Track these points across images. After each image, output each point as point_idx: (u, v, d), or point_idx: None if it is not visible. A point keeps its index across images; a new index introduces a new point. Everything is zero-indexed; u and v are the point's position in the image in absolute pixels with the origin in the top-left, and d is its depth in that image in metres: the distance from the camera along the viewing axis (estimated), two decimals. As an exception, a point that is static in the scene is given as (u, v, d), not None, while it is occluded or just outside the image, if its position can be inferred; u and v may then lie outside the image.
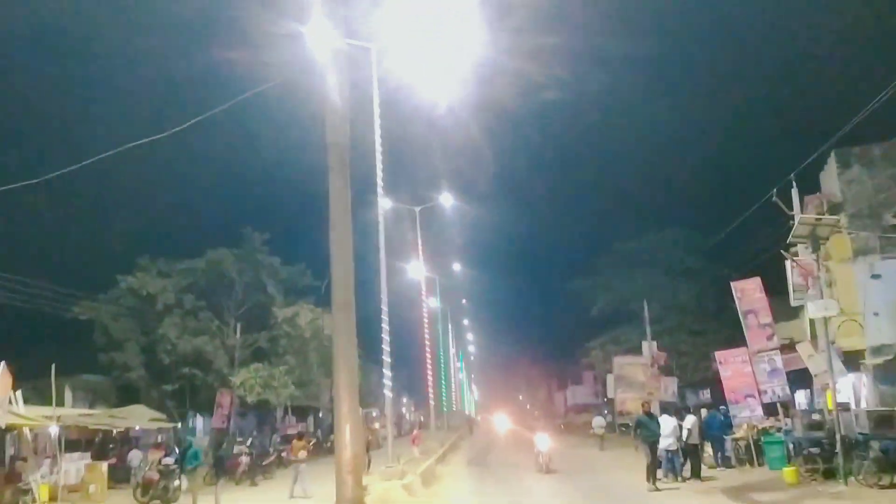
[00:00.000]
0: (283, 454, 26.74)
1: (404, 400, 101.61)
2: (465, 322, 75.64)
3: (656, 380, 37.69)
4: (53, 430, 23.44)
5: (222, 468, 19.18)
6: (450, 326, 58.68)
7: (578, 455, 26.50)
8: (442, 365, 43.55)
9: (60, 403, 31.72)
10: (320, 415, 47.13)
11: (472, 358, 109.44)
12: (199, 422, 39.78)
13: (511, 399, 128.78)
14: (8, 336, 33.86)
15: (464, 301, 61.09)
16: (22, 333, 33.64)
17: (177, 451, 21.03)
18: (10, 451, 22.43)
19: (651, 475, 16.75)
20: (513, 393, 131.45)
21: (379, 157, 16.77)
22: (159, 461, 20.28)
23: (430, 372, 34.81)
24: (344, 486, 10.69)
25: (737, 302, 21.64)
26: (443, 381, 42.86)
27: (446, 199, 32.55)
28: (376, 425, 40.03)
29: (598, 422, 35.70)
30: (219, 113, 12.31)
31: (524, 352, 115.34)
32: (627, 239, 45.59)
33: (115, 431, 27.70)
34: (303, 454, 19.17)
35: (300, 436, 23.43)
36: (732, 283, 21.98)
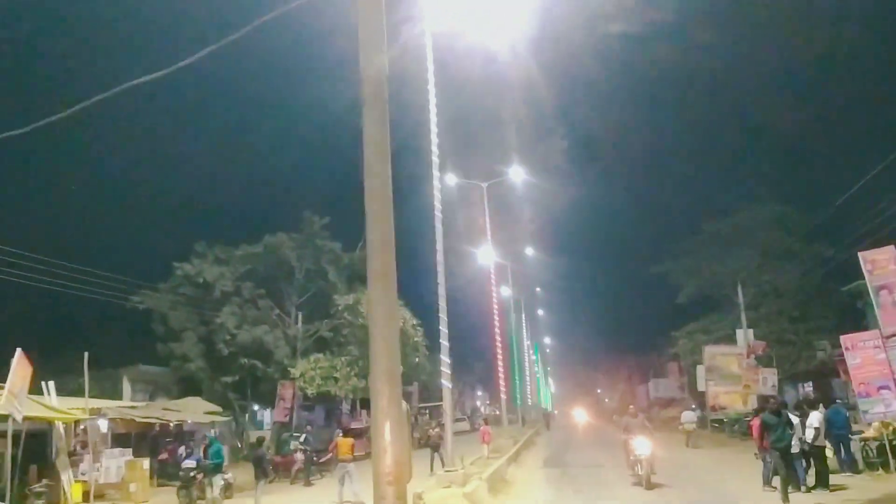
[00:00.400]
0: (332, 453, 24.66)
1: (479, 393, 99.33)
2: (540, 313, 72.10)
3: (753, 371, 34.03)
4: (101, 423, 22.24)
5: (261, 468, 17.01)
6: (523, 316, 55.90)
7: (673, 458, 22.96)
8: (515, 357, 40.82)
9: (117, 396, 31.11)
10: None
11: (547, 350, 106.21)
12: (265, 414, 38.42)
13: (590, 392, 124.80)
14: (69, 325, 33.21)
15: (538, 290, 58.01)
16: (82, 323, 32.87)
17: (199, 449, 19.17)
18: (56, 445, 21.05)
19: (784, 492, 13.27)
20: (591, 386, 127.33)
21: (433, 99, 14.18)
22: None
23: (500, 362, 32.29)
24: (383, 500, 8.20)
25: (866, 276, 18.15)
26: (515, 374, 40.09)
27: (517, 174, 29.80)
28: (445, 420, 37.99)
29: (688, 417, 32.14)
30: (266, 91, 9.81)
31: (603, 343, 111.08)
32: (719, 216, 41.64)
33: (171, 425, 26.40)
34: (347, 455, 16.88)
35: (348, 431, 21.18)
36: (861, 254, 18.47)
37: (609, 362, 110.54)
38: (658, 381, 71.65)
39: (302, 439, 24.91)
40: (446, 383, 16.66)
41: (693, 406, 42.27)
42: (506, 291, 52.25)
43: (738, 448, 26.28)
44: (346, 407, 45.84)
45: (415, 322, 33.52)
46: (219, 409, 27.89)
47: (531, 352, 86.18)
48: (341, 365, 31.41)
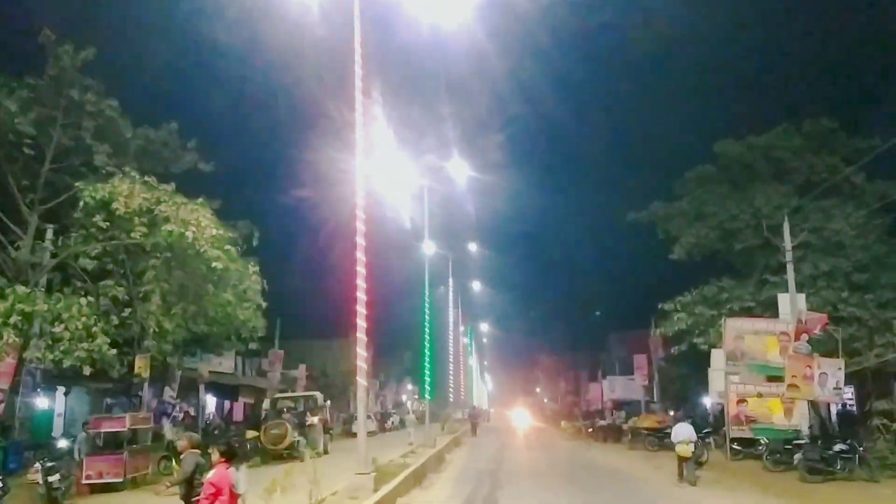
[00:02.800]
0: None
1: (409, 387, 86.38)
2: (475, 287, 58.72)
3: (805, 362, 20.43)
4: None
5: None
6: (451, 289, 41.91)
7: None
8: (426, 332, 26.58)
9: None
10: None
11: (484, 340, 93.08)
12: None
13: (531, 392, 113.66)
14: None
15: (472, 246, 44.19)
16: None
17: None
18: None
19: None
20: (532, 385, 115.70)
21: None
22: None
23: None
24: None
25: None
26: (424, 357, 25.94)
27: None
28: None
29: (684, 433, 18.21)
30: None
31: (546, 338, 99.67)
32: (734, 137, 28.06)
33: None
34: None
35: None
36: None
37: (551, 359, 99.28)
38: (615, 379, 57.98)
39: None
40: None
41: (686, 414, 29.03)
42: (430, 249, 38.66)
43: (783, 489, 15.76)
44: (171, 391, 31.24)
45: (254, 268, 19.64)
46: None
47: (464, 337, 73.10)
48: (90, 312, 16.57)
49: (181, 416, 33.35)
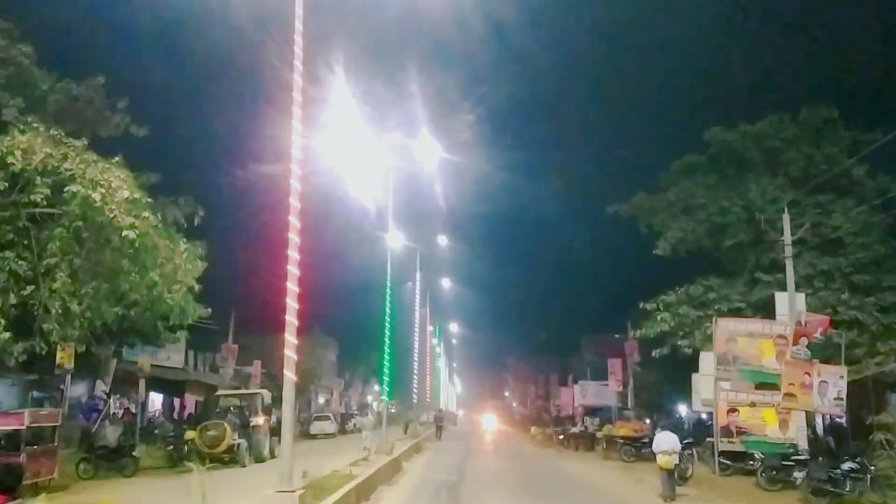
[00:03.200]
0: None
1: (375, 388, 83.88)
2: (445, 284, 56.46)
3: (804, 368, 18.32)
4: None
5: None
6: (418, 277, 39.49)
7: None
8: (386, 327, 24.09)
9: None
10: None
11: (454, 341, 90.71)
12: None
13: (500, 396, 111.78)
14: None
15: (441, 239, 41.77)
16: None
17: None
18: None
19: None
20: (501, 389, 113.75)
21: None
22: None
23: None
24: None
25: None
26: (383, 353, 23.48)
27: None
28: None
29: (667, 442, 16.08)
30: None
31: (516, 341, 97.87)
32: (726, 124, 25.97)
33: None
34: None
35: None
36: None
37: (522, 360, 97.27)
38: (587, 384, 55.84)
39: None
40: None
41: (667, 423, 27.04)
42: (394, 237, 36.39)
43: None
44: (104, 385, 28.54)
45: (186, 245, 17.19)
46: None
47: (434, 338, 70.72)
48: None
49: (121, 412, 30.68)
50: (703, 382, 20.65)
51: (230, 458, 21.22)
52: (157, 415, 37.90)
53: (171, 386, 38.58)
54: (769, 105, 26.91)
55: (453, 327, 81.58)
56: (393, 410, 78.04)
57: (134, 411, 30.98)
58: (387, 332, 23.14)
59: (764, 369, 19.20)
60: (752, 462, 19.01)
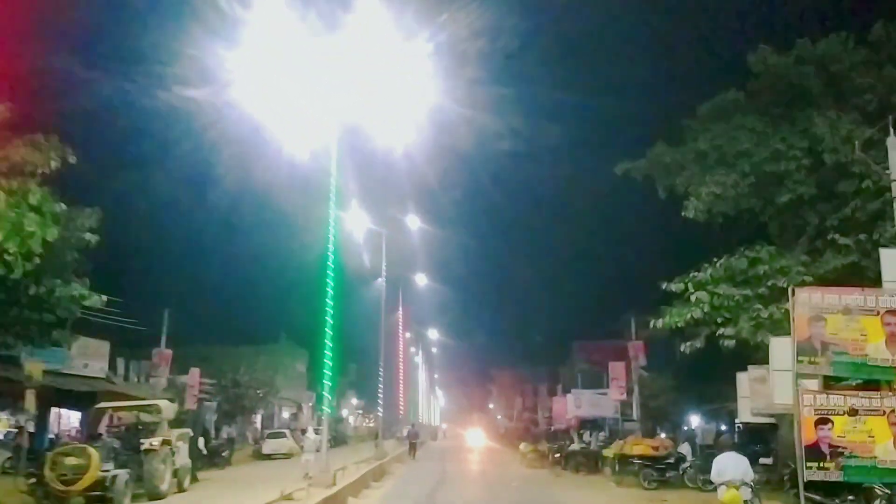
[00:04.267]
0: None
1: (353, 401, 77.80)
2: (421, 281, 50.61)
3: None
4: None
5: None
6: (384, 274, 33.29)
7: None
8: (330, 310, 17.71)
9: None
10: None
11: (433, 350, 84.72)
12: None
13: (485, 409, 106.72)
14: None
15: (411, 218, 35.81)
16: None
17: None
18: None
19: None
20: (486, 403, 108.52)
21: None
22: None
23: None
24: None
25: None
26: (326, 351, 16.99)
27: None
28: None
29: (732, 469, 10.05)
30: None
31: (501, 349, 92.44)
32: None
33: None
34: None
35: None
36: None
37: (508, 370, 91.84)
38: (580, 393, 49.46)
39: None
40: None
41: (727, 439, 20.58)
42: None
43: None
44: None
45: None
46: None
47: (411, 346, 64.65)
48: None
49: (15, 432, 24.52)
50: (776, 384, 14.45)
51: (98, 498, 14.86)
52: (74, 433, 31.28)
53: (87, 399, 32.04)
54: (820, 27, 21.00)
55: (433, 334, 75.50)
56: (371, 424, 71.86)
57: (31, 430, 24.51)
58: (329, 314, 16.78)
59: (870, 360, 12.96)
60: (852, 498, 13.02)
